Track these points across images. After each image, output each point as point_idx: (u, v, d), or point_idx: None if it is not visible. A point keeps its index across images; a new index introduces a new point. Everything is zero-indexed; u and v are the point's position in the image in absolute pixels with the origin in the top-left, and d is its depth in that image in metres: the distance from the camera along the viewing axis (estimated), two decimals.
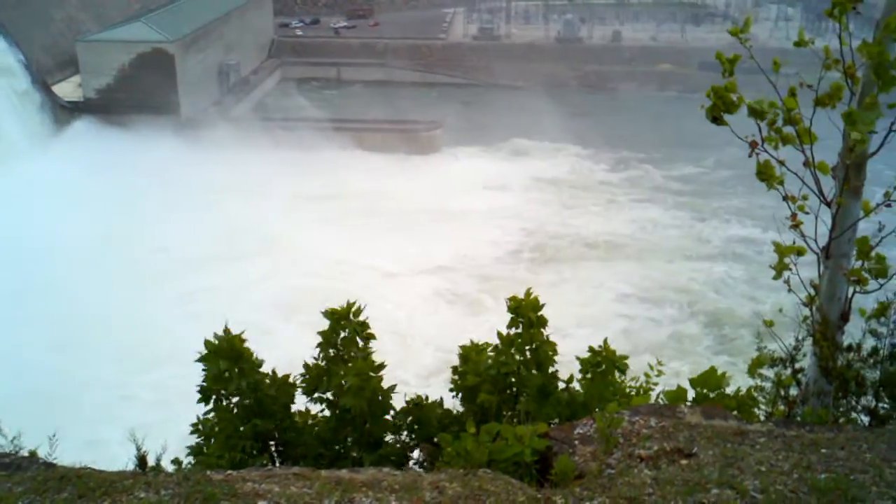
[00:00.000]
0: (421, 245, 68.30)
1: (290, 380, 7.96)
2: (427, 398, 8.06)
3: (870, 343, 6.46)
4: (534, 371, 7.86)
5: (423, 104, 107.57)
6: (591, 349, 7.92)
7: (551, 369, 7.88)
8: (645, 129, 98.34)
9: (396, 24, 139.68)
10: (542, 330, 7.84)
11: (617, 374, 7.81)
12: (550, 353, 7.82)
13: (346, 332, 7.68)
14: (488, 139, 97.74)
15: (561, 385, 7.86)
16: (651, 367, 8.17)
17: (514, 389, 7.86)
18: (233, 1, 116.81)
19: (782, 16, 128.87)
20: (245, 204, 71.40)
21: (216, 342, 7.53)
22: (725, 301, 60.73)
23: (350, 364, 7.54)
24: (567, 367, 8.26)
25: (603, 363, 7.56)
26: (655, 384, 8.05)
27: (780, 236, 7.13)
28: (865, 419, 6.33)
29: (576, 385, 7.84)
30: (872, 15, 6.58)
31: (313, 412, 8.09)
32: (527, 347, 7.81)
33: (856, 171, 6.53)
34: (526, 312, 7.78)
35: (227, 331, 7.68)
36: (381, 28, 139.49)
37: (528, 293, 8.01)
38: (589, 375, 7.82)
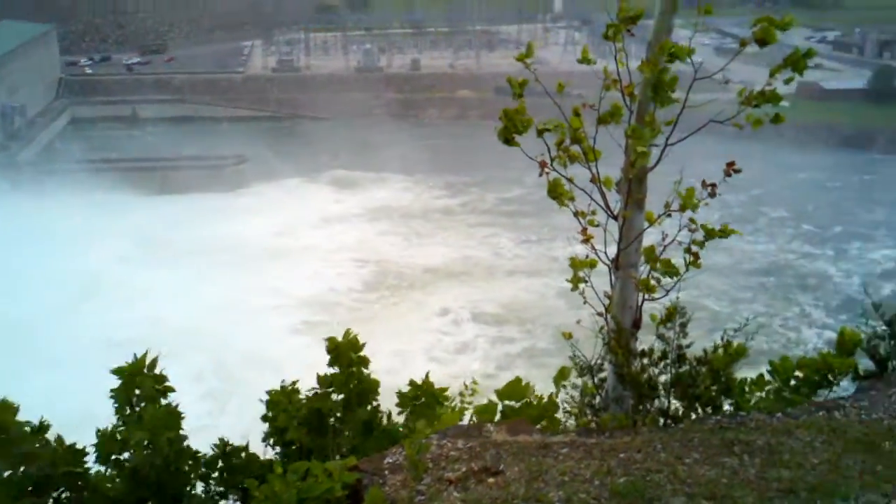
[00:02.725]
0: (268, 282, 67.25)
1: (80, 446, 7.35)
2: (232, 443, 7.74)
3: (661, 347, 6.77)
4: (357, 408, 7.76)
5: (228, 139, 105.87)
6: (411, 382, 7.88)
7: (374, 404, 7.80)
8: (457, 154, 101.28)
9: (193, 59, 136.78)
10: (363, 369, 7.72)
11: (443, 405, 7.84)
12: (373, 389, 7.73)
13: (140, 389, 7.22)
14: (304, 171, 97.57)
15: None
16: (466, 387, 8.22)
17: (335, 428, 7.70)
18: (13, 40, 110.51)
19: (570, 40, 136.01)
20: (60, 253, 67.63)
21: None
22: (579, 314, 63.10)
23: (144, 419, 7.10)
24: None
25: (423, 396, 7.55)
26: (470, 402, 8.11)
27: (574, 250, 7.37)
28: (662, 420, 6.61)
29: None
30: (646, 35, 6.94)
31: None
32: (351, 385, 7.68)
33: (638, 185, 6.85)
34: (346, 353, 7.66)
35: None
36: (177, 63, 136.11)
37: (346, 333, 7.87)
38: (408, 410, 7.76)
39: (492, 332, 63.58)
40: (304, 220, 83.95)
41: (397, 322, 63.29)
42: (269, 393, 7.86)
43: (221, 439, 7.57)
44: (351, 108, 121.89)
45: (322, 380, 7.69)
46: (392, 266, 75.74)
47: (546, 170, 7.04)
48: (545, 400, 7.08)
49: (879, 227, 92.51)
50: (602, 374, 7.01)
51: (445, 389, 7.65)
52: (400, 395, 7.72)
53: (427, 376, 7.71)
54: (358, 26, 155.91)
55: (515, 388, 7.01)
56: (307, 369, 8.04)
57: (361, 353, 7.64)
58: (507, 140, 6.92)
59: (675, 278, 6.64)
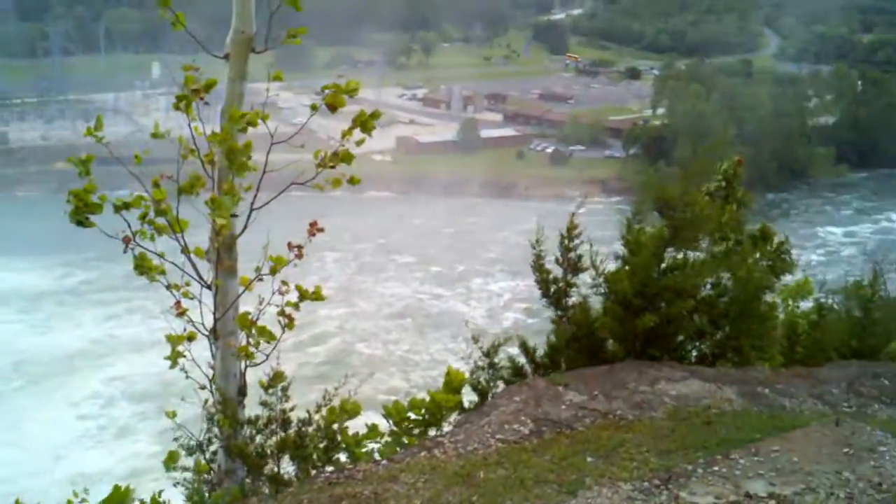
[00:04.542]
0: None
1: None
2: None
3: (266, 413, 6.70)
4: None
5: None
6: None
7: None
8: (67, 229, 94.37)
9: None
10: None
11: None
12: None
13: None
14: None
15: None
16: (76, 495, 7.54)
17: None
18: None
19: (172, 107, 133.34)
20: None
21: None
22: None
23: None
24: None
25: None
26: None
27: (171, 326, 7.10)
28: (275, 487, 6.52)
29: None
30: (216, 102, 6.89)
31: None
32: None
33: (227, 252, 6.77)
34: None
35: None
36: None
37: None
38: None
39: (149, 408, 60.45)
40: None
41: (46, 414, 58.29)
42: None
43: None
44: None
45: None
46: (28, 355, 69.21)
47: (131, 245, 6.73)
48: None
49: (495, 264, 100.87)
50: (212, 449, 6.79)
51: None
52: None
53: None
54: None
55: (115, 496, 6.57)
56: None
57: None
58: (80, 222, 6.54)
59: (272, 341, 6.62)
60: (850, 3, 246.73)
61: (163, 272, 6.87)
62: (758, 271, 8.63)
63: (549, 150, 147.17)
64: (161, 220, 6.78)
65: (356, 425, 7.30)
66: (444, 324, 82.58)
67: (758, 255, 9.28)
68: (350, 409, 6.99)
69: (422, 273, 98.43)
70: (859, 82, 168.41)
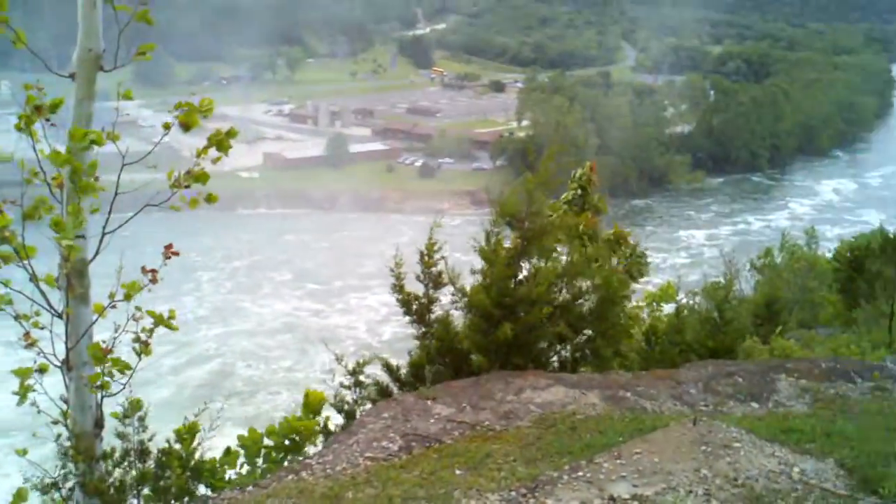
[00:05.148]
0: None
1: None
2: None
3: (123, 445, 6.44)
4: None
5: None
6: None
7: None
8: None
9: None
10: None
11: None
12: None
13: None
14: None
15: None
16: None
17: None
18: None
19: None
20: None
21: None
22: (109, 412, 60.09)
23: None
24: None
25: None
26: None
27: (22, 357, 6.74)
28: None
29: None
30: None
31: None
32: None
33: (78, 278, 6.48)
34: None
35: None
36: None
37: None
38: None
39: (17, 441, 57.49)
40: None
41: None
42: None
43: None
44: None
45: None
46: None
47: None
48: None
49: (372, 278, 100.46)
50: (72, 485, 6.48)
51: None
52: None
53: None
54: None
55: None
56: None
57: None
58: None
59: (125, 371, 6.35)
60: (701, 17, 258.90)
61: (9, 302, 6.52)
62: (617, 279, 8.87)
63: (418, 164, 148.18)
64: (5, 248, 6.44)
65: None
66: (325, 340, 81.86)
67: (615, 260, 9.55)
68: (188, 432, 6.82)
69: (299, 290, 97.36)
70: (711, 92, 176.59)
